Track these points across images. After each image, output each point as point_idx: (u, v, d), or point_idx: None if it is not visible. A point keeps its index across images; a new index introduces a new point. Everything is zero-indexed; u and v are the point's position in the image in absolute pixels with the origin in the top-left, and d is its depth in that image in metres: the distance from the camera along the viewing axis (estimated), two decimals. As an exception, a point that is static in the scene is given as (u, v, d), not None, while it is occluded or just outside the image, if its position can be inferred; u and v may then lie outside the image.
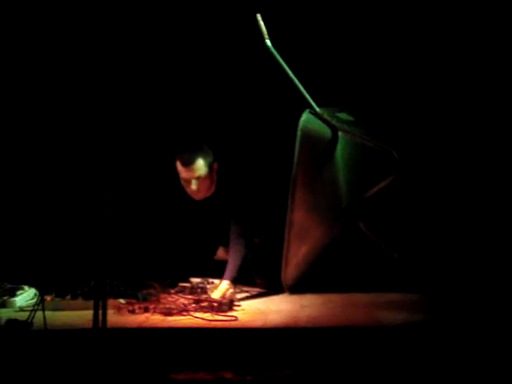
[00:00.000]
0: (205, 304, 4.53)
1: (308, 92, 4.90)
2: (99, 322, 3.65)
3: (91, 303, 3.69)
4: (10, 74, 5.49)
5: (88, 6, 5.47)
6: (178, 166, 4.95)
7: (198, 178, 4.94)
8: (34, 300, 4.51)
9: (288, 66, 4.81)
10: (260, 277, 5.18)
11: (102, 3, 5.47)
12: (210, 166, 4.96)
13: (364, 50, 5.40)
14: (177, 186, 5.02)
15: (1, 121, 5.52)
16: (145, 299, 4.62)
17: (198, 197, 5.04)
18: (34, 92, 5.54)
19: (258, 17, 4.73)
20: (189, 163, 4.91)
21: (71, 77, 5.55)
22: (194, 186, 4.96)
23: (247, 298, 4.91)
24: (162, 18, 5.53)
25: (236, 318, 4.35)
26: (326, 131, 5.01)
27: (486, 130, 5.21)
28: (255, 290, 5.08)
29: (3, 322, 3.99)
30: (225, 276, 4.80)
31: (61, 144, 5.56)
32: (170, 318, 4.36)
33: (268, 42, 4.77)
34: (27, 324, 3.94)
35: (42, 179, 5.54)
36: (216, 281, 4.82)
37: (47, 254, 5.24)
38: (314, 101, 4.93)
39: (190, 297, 4.64)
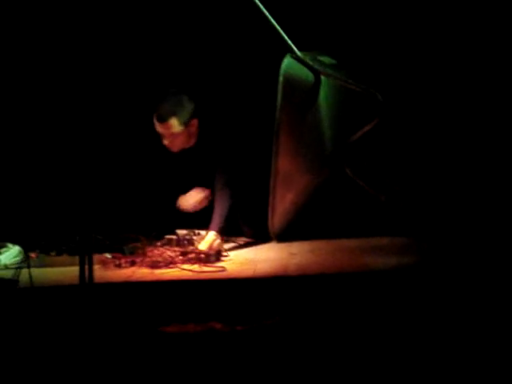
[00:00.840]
0: (192, 256, 4.49)
1: (288, 36, 4.83)
2: (86, 277, 3.60)
3: (77, 259, 3.63)
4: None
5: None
6: (154, 119, 4.90)
7: (171, 135, 4.88)
8: (19, 258, 4.51)
9: (267, 9, 4.73)
10: (247, 226, 5.16)
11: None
12: (185, 123, 4.88)
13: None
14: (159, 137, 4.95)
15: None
16: (131, 253, 4.58)
17: (173, 150, 4.98)
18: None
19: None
20: (162, 120, 4.86)
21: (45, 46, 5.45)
22: (166, 141, 4.91)
23: (235, 248, 4.90)
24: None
25: (224, 269, 4.33)
26: (309, 75, 4.95)
27: (470, 72, 5.16)
28: (243, 240, 5.06)
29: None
30: (211, 227, 4.76)
31: (42, 102, 5.46)
32: (157, 271, 4.32)
33: (246, -13, 4.69)
34: (13, 282, 3.89)
35: (24, 137, 5.46)
36: (202, 232, 4.77)
37: (30, 210, 5.20)
38: (295, 45, 4.86)
39: (176, 249, 4.60)
